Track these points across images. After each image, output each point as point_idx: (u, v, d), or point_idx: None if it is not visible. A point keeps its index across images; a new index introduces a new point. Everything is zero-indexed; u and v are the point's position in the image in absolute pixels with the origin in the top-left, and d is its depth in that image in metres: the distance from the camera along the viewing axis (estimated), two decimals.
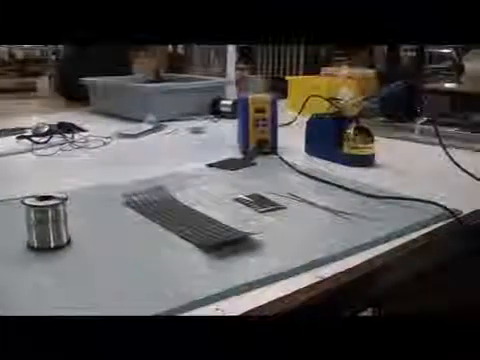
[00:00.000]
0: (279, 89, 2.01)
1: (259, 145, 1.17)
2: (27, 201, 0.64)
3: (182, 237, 0.68)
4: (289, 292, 0.56)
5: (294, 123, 1.51)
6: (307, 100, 1.39)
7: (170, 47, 2.65)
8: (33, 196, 0.66)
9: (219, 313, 0.51)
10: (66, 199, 0.66)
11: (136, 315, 0.50)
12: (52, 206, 0.64)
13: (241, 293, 0.55)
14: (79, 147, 1.27)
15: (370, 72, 1.74)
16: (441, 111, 1.49)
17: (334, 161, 1.11)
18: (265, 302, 0.54)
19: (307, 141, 1.20)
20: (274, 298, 0.54)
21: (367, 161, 1.09)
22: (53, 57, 2.44)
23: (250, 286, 0.56)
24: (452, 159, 1.00)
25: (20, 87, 2.66)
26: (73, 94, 2.03)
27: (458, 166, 0.99)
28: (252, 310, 0.52)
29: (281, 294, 0.55)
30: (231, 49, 2.25)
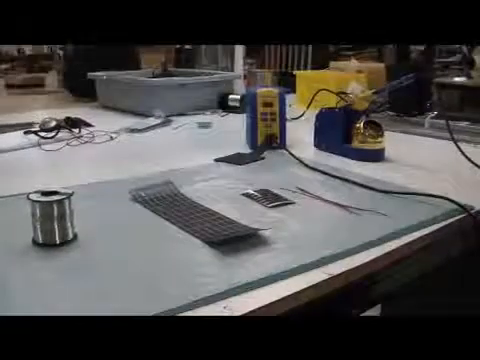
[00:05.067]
0: (287, 84, 1.99)
1: (267, 140, 1.16)
2: (32, 196, 0.64)
3: (189, 233, 0.68)
4: (298, 289, 0.55)
5: (303, 117, 1.50)
6: (316, 94, 1.38)
7: None
8: (38, 191, 0.65)
9: (226, 311, 0.50)
10: (72, 194, 0.65)
11: (142, 312, 0.49)
12: (57, 201, 0.63)
13: (249, 291, 0.54)
14: (86, 142, 1.26)
15: (379, 66, 1.72)
16: (451, 105, 1.47)
17: (343, 155, 1.10)
18: (273, 300, 0.53)
19: (316, 135, 1.18)
20: (282, 295, 0.53)
21: (377, 155, 1.07)
22: (61, 53, 2.44)
23: (258, 283, 0.55)
24: (463, 153, 0.99)
25: (28, 82, 2.67)
26: (81, 89, 2.03)
27: (469, 160, 0.97)
28: (259, 308, 0.51)
29: (289, 291, 0.54)
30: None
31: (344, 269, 0.60)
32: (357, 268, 0.61)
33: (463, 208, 0.75)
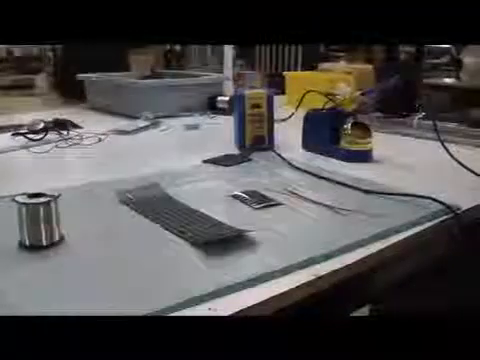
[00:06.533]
0: (277, 84, 2.00)
1: (255, 141, 1.16)
2: (19, 199, 0.63)
3: (176, 234, 0.67)
4: (284, 290, 0.55)
5: (291, 119, 1.50)
6: (304, 95, 1.38)
7: None
8: (25, 193, 0.65)
9: (211, 312, 0.50)
10: (58, 196, 0.65)
11: (128, 313, 0.49)
12: (44, 204, 0.63)
13: (235, 291, 0.54)
14: (74, 144, 1.26)
15: (368, 67, 1.73)
16: (440, 106, 1.48)
17: (331, 157, 1.10)
18: (260, 301, 0.53)
19: (304, 137, 1.19)
20: (269, 296, 0.53)
21: (365, 156, 1.08)
22: (51, 54, 2.43)
23: (244, 284, 0.55)
24: (451, 154, 0.99)
25: (18, 84, 2.66)
26: (70, 91, 2.02)
27: (457, 161, 0.98)
28: (245, 309, 0.51)
29: (276, 292, 0.54)
30: (228, 45, 2.25)
31: (331, 270, 0.60)
32: (344, 269, 0.61)
33: (449, 208, 0.75)
